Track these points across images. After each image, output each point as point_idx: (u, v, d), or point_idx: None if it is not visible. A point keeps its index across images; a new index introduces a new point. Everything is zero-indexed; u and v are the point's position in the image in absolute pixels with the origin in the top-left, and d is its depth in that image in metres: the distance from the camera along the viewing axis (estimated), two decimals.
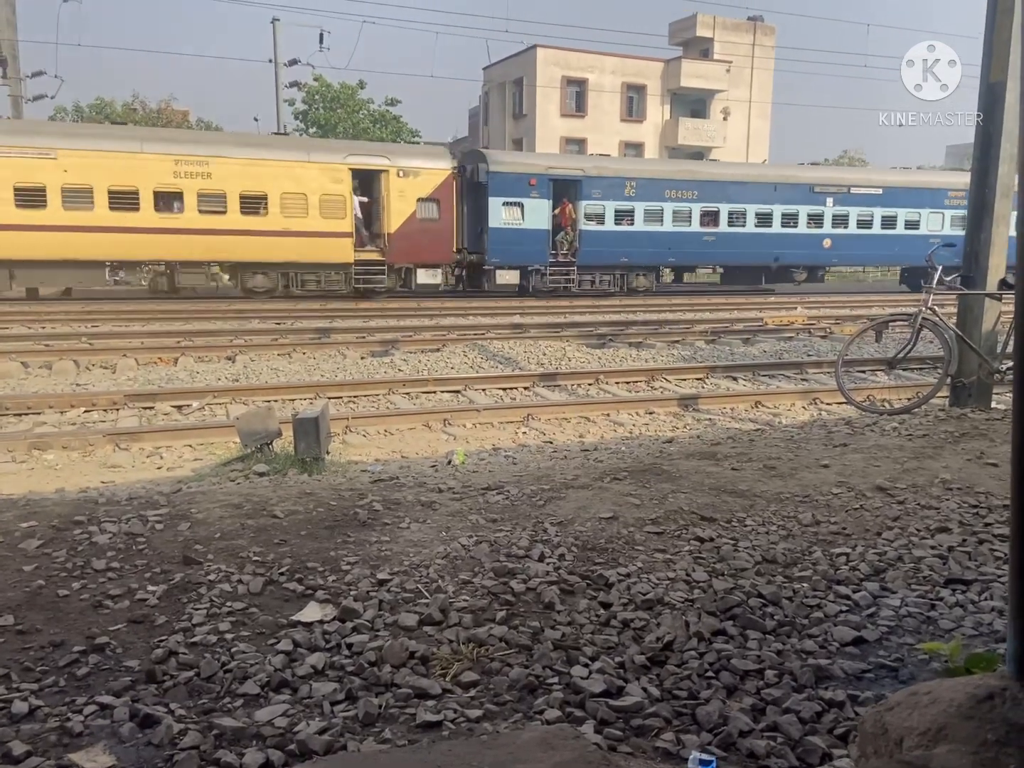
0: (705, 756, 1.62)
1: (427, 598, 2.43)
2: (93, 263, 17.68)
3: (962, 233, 5.99)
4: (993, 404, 5.95)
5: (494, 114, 39.79)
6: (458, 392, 8.79)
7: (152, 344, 11.59)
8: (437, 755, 1.50)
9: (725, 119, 38.75)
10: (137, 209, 17.37)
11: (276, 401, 8.01)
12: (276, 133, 24.01)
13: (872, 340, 12.11)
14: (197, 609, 2.33)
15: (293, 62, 29.69)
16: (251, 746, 1.66)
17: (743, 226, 23.06)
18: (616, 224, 21.77)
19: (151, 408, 7.85)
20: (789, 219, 23.42)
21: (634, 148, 36.99)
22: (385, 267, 19.71)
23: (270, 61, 28.73)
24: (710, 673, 2.01)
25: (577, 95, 37.11)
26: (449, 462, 5.37)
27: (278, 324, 14.42)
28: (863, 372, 10.17)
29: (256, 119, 49.51)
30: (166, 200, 17.79)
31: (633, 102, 38.13)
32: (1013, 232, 6.02)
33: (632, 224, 21.88)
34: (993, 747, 1.03)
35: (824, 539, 2.99)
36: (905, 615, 2.34)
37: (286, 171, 18.35)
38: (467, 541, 2.91)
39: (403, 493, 3.58)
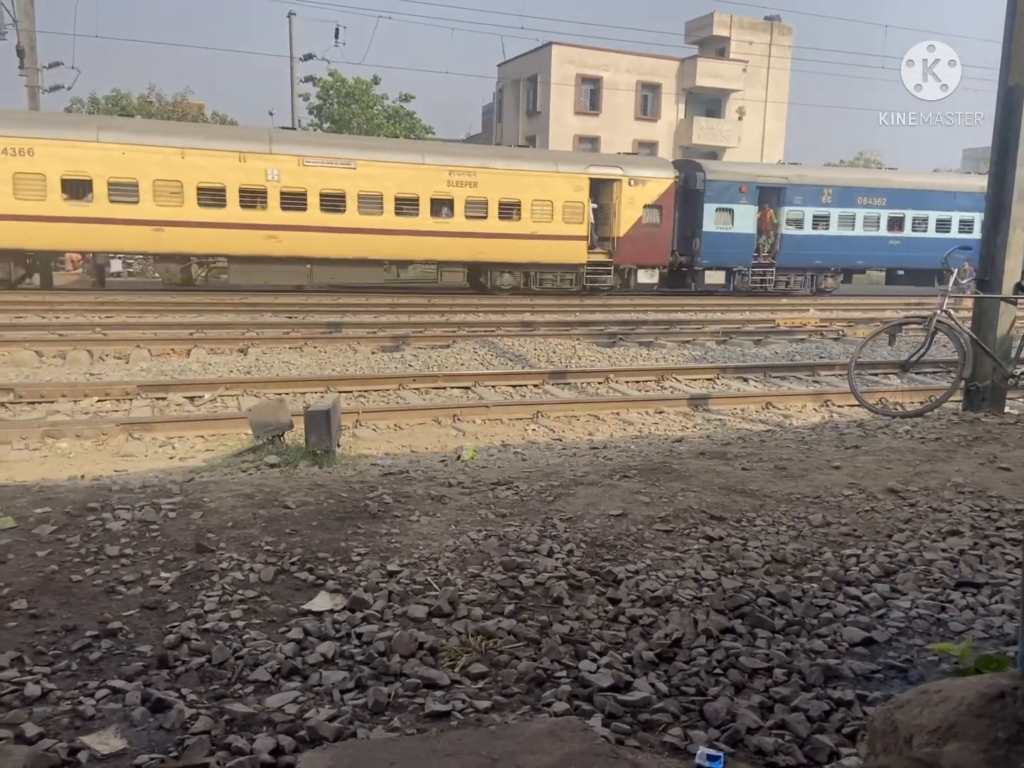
0: (713, 752, 1.63)
1: (436, 590, 2.44)
2: (376, 262, 19.76)
3: None
4: (1006, 409, 5.91)
5: (508, 111, 39.76)
6: (468, 388, 8.81)
7: (165, 335, 11.66)
8: (446, 744, 1.51)
9: (740, 119, 38.58)
10: (417, 214, 19.55)
11: (287, 394, 8.04)
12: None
13: (885, 343, 12.06)
14: (209, 596, 2.35)
15: (308, 56, 29.76)
16: (262, 732, 1.68)
17: (925, 231, 24.54)
18: (813, 229, 23.42)
19: (164, 399, 7.90)
20: (965, 225, 24.64)
21: (647, 147, 36.89)
22: (612, 268, 21.67)
23: (287, 56, 28.79)
24: (718, 670, 2.01)
25: (591, 93, 37.03)
26: (458, 457, 5.38)
27: (290, 318, 14.48)
28: (876, 375, 10.13)
29: (271, 113, 49.62)
30: (439, 206, 19.87)
31: (648, 101, 38.01)
32: None
33: (827, 229, 23.59)
34: (1003, 745, 1.03)
35: (834, 540, 2.99)
36: (915, 617, 2.33)
37: (537, 180, 20.47)
38: (476, 535, 2.92)
39: (413, 487, 3.59)
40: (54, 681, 1.88)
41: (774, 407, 8.30)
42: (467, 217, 19.91)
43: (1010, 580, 2.58)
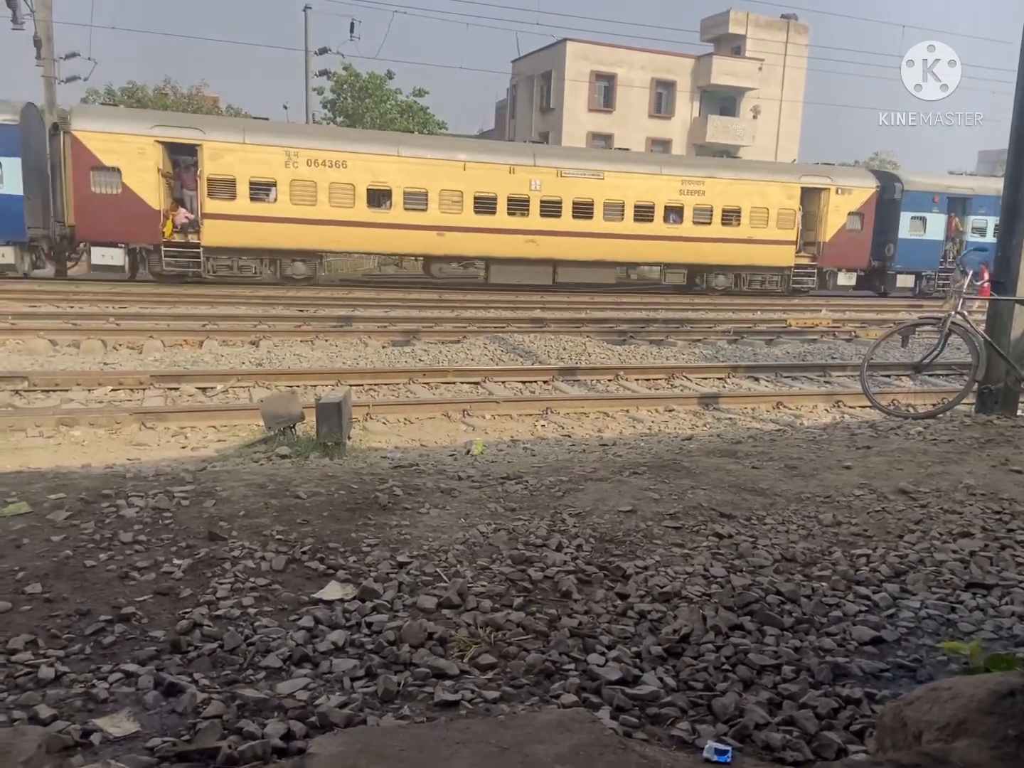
0: (720, 746, 1.63)
1: (446, 582, 2.45)
2: (612, 263, 21.91)
3: None
4: (1019, 411, 5.87)
5: (521, 107, 39.68)
6: (478, 384, 8.82)
7: (178, 327, 11.73)
8: (455, 732, 1.52)
9: (755, 117, 38.36)
10: (652, 220, 21.44)
11: (298, 386, 8.09)
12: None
13: (898, 344, 11.99)
14: (221, 583, 2.37)
15: (323, 50, 29.79)
16: (273, 717, 1.69)
17: None
18: (994, 236, 25.05)
19: (176, 389, 7.95)
20: None
21: (661, 145, 36.77)
22: (815, 270, 23.27)
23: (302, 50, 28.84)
24: (727, 666, 2.01)
25: (605, 90, 36.91)
26: (468, 452, 5.39)
27: (301, 311, 14.53)
28: (888, 376, 10.08)
29: (286, 107, 49.64)
30: (670, 213, 21.65)
31: (662, 98, 37.86)
32: None
33: None
34: (1013, 742, 1.04)
35: (845, 540, 2.98)
36: (925, 617, 2.33)
37: (755, 189, 22.17)
38: (486, 528, 2.93)
39: (423, 479, 3.60)
40: (68, 664, 1.91)
41: (785, 407, 8.27)
42: (694, 223, 21.73)
43: (1020, 582, 2.57)
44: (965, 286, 5.99)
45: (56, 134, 17.53)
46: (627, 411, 7.83)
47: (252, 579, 2.41)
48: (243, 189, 17.93)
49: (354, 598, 2.32)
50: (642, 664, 2.01)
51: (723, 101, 38.65)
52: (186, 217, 17.99)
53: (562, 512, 3.16)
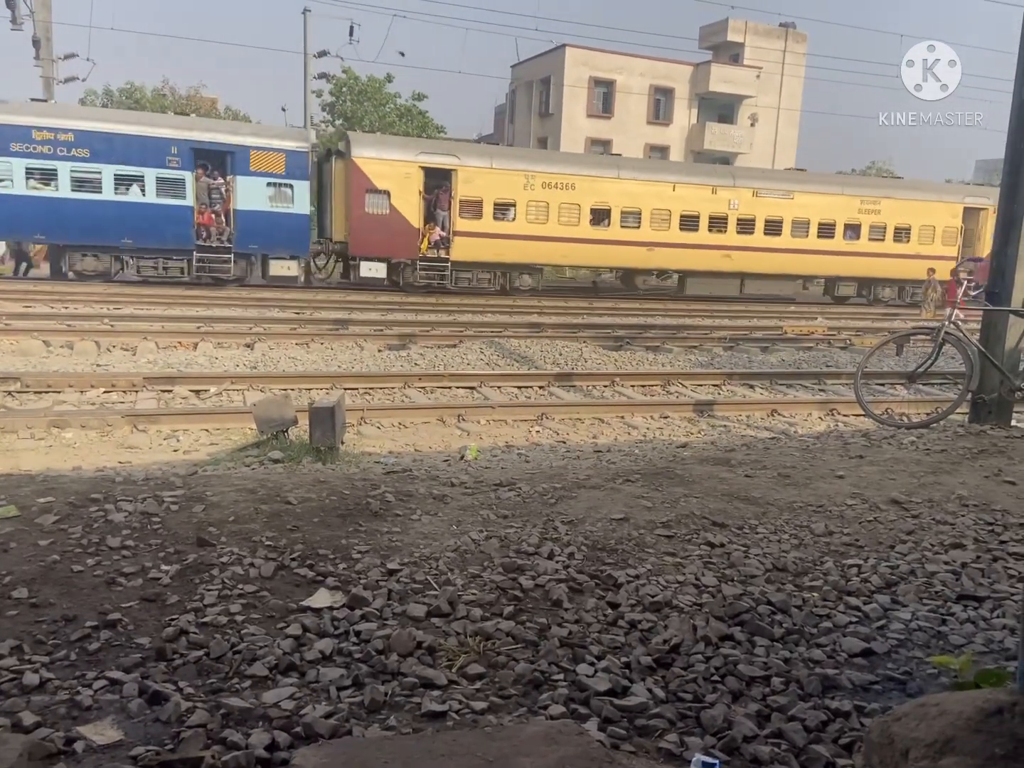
0: (708, 759, 1.62)
1: (436, 590, 2.44)
2: (794, 276, 23.54)
3: None
4: (1013, 422, 5.88)
5: (520, 112, 39.73)
6: (473, 388, 8.81)
7: (173, 328, 11.70)
8: (442, 744, 1.51)
9: (753, 125, 38.45)
10: (832, 237, 23.12)
11: (293, 390, 8.07)
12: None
13: (892, 353, 12.02)
14: (209, 590, 2.35)
15: (322, 53, 29.78)
16: (257, 727, 1.68)
17: None
18: None
19: (169, 391, 7.92)
20: None
21: (659, 151, 36.84)
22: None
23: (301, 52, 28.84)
24: (716, 677, 2.00)
25: (604, 96, 36.97)
26: (462, 457, 5.38)
27: (297, 314, 14.51)
28: (882, 385, 10.09)
29: (284, 109, 49.68)
30: (848, 230, 23.37)
31: (660, 105, 37.93)
32: None
33: None
34: (1001, 761, 1.03)
35: (836, 550, 2.98)
36: (915, 629, 2.32)
37: (924, 208, 23.71)
38: (477, 536, 2.92)
39: (415, 485, 3.59)
40: (53, 671, 1.89)
41: (779, 414, 8.28)
42: (869, 239, 23.52)
43: (1012, 594, 2.57)
44: (959, 296, 6.00)
45: (329, 159, 19.65)
46: (622, 417, 7.83)
47: (240, 586, 2.40)
48: (488, 209, 20.11)
49: (343, 606, 2.30)
50: (631, 675, 2.00)
51: (721, 108, 38.74)
52: (440, 235, 20.04)
53: (555, 519, 3.15)
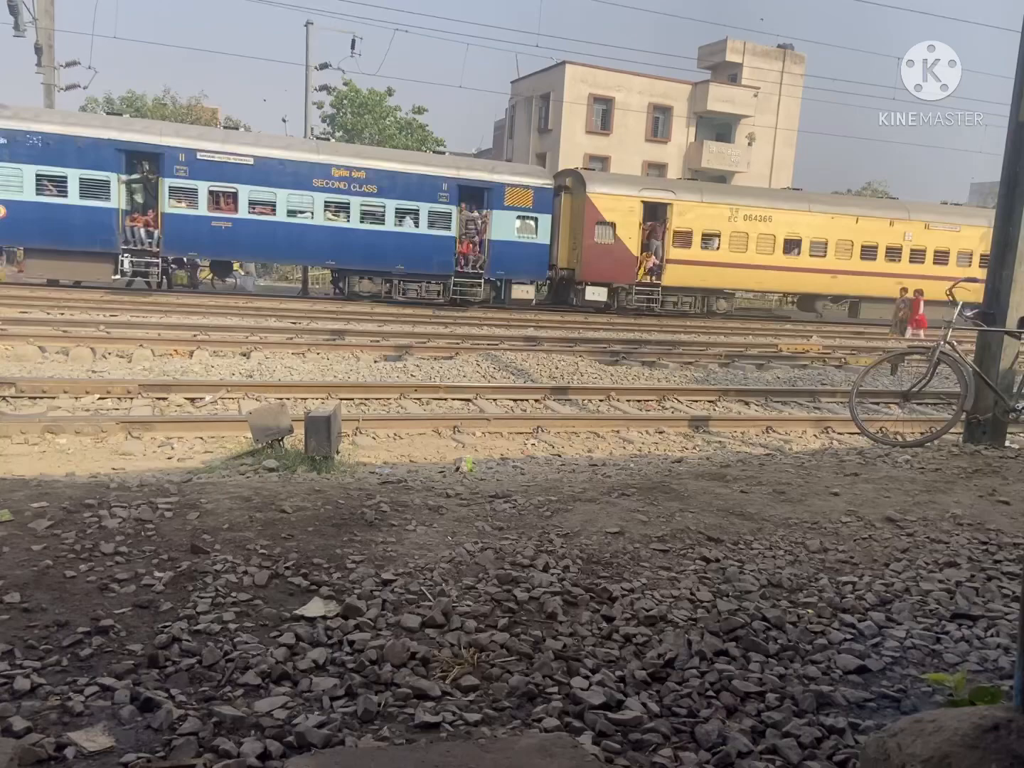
0: None
1: (430, 601, 2.43)
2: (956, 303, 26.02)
3: None
4: (1007, 443, 5.90)
5: (519, 127, 39.95)
6: (469, 400, 8.80)
7: (169, 336, 11.68)
8: (435, 755, 1.50)
9: (750, 144, 38.74)
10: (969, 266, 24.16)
11: (288, 399, 8.05)
12: (320, 137, 25.43)
13: (887, 372, 12.06)
14: (202, 598, 2.34)
15: (324, 66, 29.96)
16: (250, 735, 1.67)
17: None
18: None
19: (164, 399, 7.90)
20: None
21: (657, 169, 37.06)
22: None
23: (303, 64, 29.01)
24: (711, 693, 2.00)
25: (603, 113, 37.22)
26: (457, 469, 5.37)
27: (294, 324, 14.51)
28: (877, 404, 10.12)
29: (284, 120, 49.91)
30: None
31: (658, 123, 38.19)
32: None
33: None
34: None
35: (831, 567, 2.98)
36: (910, 647, 2.32)
37: None
38: (472, 547, 2.92)
39: (411, 496, 3.58)
40: (44, 676, 1.88)
41: (774, 431, 8.29)
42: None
43: (1006, 614, 2.57)
44: (955, 316, 6.03)
45: (558, 194, 21.91)
46: (617, 431, 7.83)
47: (234, 594, 2.39)
48: (696, 239, 22.47)
49: (337, 615, 2.29)
50: (626, 688, 2.00)
51: (719, 127, 39.03)
52: (654, 262, 22.44)
53: (550, 532, 3.14)
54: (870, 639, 2.36)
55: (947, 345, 6.07)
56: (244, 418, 6.41)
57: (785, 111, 39.00)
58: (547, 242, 21.19)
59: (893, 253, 24.28)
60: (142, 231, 18.07)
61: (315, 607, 2.34)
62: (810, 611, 2.53)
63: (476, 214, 20.65)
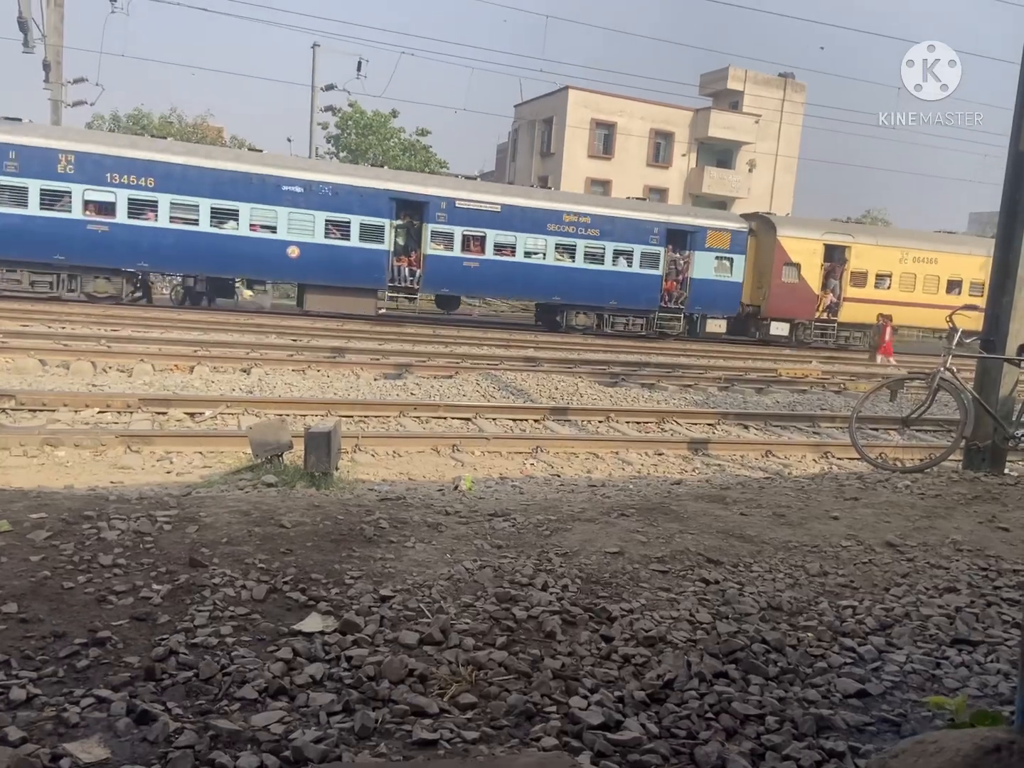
0: None
1: (429, 618, 2.42)
2: None
3: None
4: (1006, 470, 5.90)
5: (522, 150, 40.29)
6: (468, 420, 8.80)
7: (169, 351, 11.69)
8: None
9: (751, 171, 39.06)
10: None
11: (288, 415, 8.05)
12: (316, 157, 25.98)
13: (887, 398, 12.06)
14: (200, 611, 2.33)
15: (330, 87, 30.28)
16: (246, 750, 1.66)
17: None
18: None
19: (164, 413, 7.90)
20: None
21: (658, 193, 37.33)
22: None
23: (309, 85, 29.31)
24: (710, 714, 1.99)
25: (605, 138, 37.56)
26: (456, 487, 5.37)
27: (295, 341, 14.52)
28: (876, 429, 10.12)
29: (289, 140, 50.24)
30: None
31: (660, 148, 38.53)
32: None
33: None
34: None
35: (831, 591, 2.97)
36: (910, 671, 2.31)
37: None
38: (471, 565, 2.91)
39: (410, 513, 3.58)
40: (40, 687, 1.87)
41: (774, 455, 8.29)
42: None
43: (1006, 640, 2.56)
44: (954, 343, 6.05)
45: (745, 236, 23.60)
46: (617, 453, 7.83)
47: (231, 608, 2.38)
48: (871, 279, 24.25)
49: (334, 631, 2.28)
50: (625, 709, 1.98)
51: (720, 153, 39.37)
52: (831, 300, 24.09)
53: (549, 551, 3.13)
54: (870, 663, 2.35)
55: (947, 372, 6.08)
56: (244, 433, 6.41)
57: (786, 138, 39.37)
58: (740, 280, 23.32)
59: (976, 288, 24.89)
60: (406, 270, 20.34)
61: (313, 622, 2.33)
62: (810, 634, 2.52)
63: (679, 255, 22.89)
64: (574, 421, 9.27)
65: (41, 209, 17.12)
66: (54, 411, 7.60)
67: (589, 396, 10.96)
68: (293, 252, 18.88)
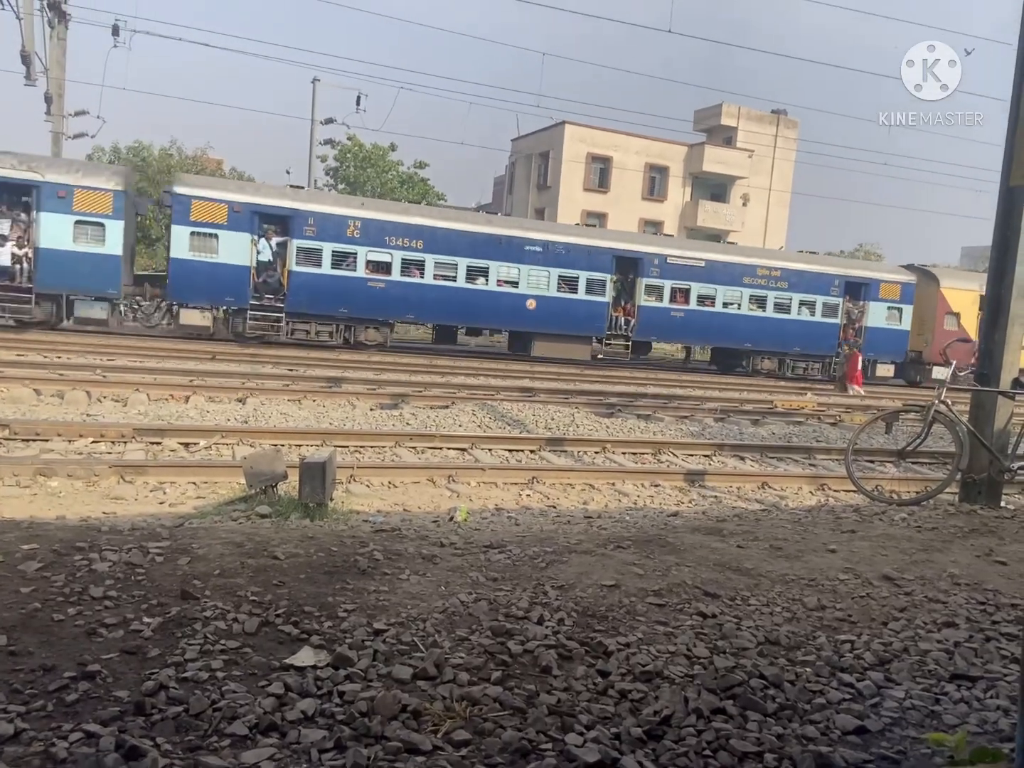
0: None
1: (423, 652, 2.39)
2: None
3: None
4: (1003, 503, 5.89)
5: (519, 184, 40.74)
6: (464, 450, 8.78)
7: (165, 381, 11.68)
8: None
9: (744, 205, 39.52)
10: None
11: (283, 446, 8.00)
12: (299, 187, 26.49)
13: (882, 431, 12.09)
14: (191, 644, 2.30)
15: (329, 120, 30.67)
16: None
17: None
18: None
19: (158, 443, 7.87)
20: None
21: (653, 226, 37.70)
22: None
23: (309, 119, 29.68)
24: (708, 752, 1.96)
25: (601, 172, 38.03)
26: (451, 518, 5.34)
27: (290, 371, 14.53)
28: (872, 462, 10.11)
29: (288, 172, 50.75)
30: None
31: (655, 182, 39.01)
32: None
33: None
34: None
35: (829, 625, 2.94)
36: (909, 707, 2.29)
37: None
38: (466, 598, 2.88)
39: (404, 545, 3.55)
40: (28, 721, 1.83)
41: (770, 487, 8.26)
42: None
43: (1005, 675, 2.54)
44: (949, 375, 6.08)
45: (912, 288, 25.19)
46: (613, 484, 7.80)
47: (223, 641, 2.35)
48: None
49: (327, 665, 2.25)
50: (621, 746, 1.96)
51: (714, 187, 39.86)
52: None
53: (545, 584, 3.11)
54: (869, 699, 2.33)
55: (942, 404, 6.10)
56: (238, 463, 6.37)
57: (779, 173, 39.90)
58: (908, 328, 25.08)
59: None
60: (621, 320, 22.53)
61: (305, 656, 2.30)
62: (808, 670, 2.49)
63: (853, 305, 24.97)
64: (570, 452, 9.25)
65: (332, 268, 19.56)
66: (48, 441, 7.57)
67: (585, 427, 10.95)
68: (531, 304, 21.36)
